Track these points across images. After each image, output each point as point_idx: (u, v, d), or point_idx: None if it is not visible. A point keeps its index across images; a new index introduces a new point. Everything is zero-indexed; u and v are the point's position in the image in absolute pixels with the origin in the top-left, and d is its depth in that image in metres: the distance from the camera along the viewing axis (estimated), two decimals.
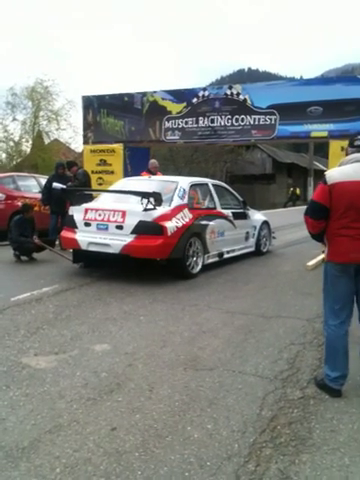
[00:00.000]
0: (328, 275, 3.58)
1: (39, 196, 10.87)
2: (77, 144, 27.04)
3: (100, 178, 11.28)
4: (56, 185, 10.05)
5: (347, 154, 3.62)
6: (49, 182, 10.36)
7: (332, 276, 3.55)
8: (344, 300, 3.51)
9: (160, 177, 9.36)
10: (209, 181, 9.05)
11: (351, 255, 3.40)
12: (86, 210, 7.46)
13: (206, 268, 7.86)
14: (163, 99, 10.78)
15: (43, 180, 11.38)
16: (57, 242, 9.41)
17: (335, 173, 3.49)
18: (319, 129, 9.27)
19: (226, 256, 8.61)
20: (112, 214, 7.16)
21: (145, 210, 6.94)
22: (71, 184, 9.93)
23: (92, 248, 7.26)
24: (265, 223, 10.14)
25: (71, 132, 30.64)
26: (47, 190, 10.26)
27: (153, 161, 10.37)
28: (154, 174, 9.79)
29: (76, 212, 7.62)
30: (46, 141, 28.28)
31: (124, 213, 7.07)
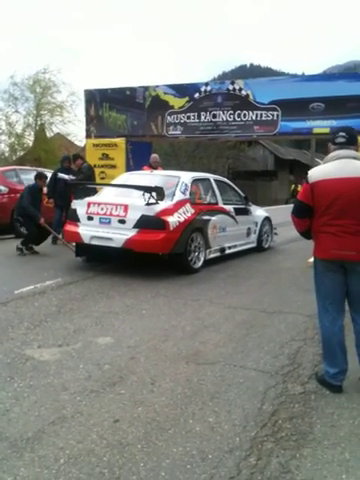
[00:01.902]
0: (316, 272, 3.65)
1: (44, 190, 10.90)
2: (80, 138, 27.04)
3: (102, 172, 11.30)
4: (61, 175, 10.08)
5: (329, 151, 3.63)
6: (54, 175, 10.37)
7: (319, 272, 3.62)
8: (333, 296, 3.55)
9: (162, 172, 9.37)
10: (211, 176, 9.06)
11: (332, 252, 3.46)
12: (89, 204, 7.48)
13: (208, 263, 7.89)
14: (165, 94, 10.78)
15: (46, 173, 11.39)
16: (61, 236, 9.44)
17: (316, 172, 3.54)
18: (321, 126, 9.27)
19: (228, 251, 8.64)
20: (114, 208, 7.18)
21: (147, 204, 6.96)
22: (75, 177, 9.94)
23: (95, 242, 7.29)
24: (267, 219, 10.16)
25: (75, 126, 30.60)
26: (52, 184, 10.27)
27: (154, 156, 10.37)
28: (155, 169, 9.81)
29: (79, 206, 7.64)
30: (49, 135, 28.23)
31: (126, 207, 7.09)
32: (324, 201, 3.41)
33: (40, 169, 12.83)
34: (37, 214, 8.73)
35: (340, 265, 3.48)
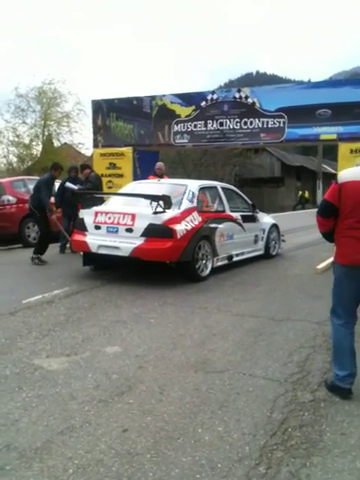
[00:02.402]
0: (335, 277, 3.61)
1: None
2: (87, 146, 27.13)
3: (110, 181, 11.34)
4: (68, 185, 10.14)
5: None
6: (62, 185, 10.43)
7: (338, 277, 3.57)
8: (348, 303, 3.53)
9: (169, 180, 9.40)
10: (218, 184, 9.07)
11: (355, 257, 3.41)
12: (96, 213, 7.51)
13: (215, 271, 7.87)
14: (172, 103, 10.82)
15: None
16: (68, 245, 9.47)
17: (347, 173, 3.53)
18: (328, 132, 9.26)
19: (235, 259, 8.62)
20: (122, 217, 7.20)
21: (155, 213, 6.98)
22: (82, 187, 9.99)
23: (102, 251, 7.30)
24: (274, 226, 10.13)
25: (82, 135, 30.74)
26: (60, 193, 10.33)
27: (159, 164, 10.40)
28: (161, 177, 9.83)
29: (86, 215, 7.67)
30: (56, 144, 28.38)
31: (134, 216, 7.11)
32: (349, 203, 3.39)
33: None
34: (49, 207, 8.79)
35: None
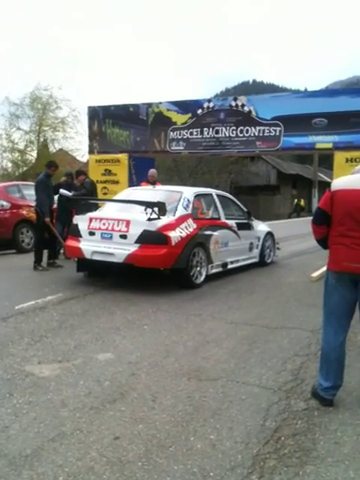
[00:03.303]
0: (327, 283, 3.60)
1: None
2: (82, 153, 27.17)
3: (105, 188, 11.33)
4: (63, 191, 10.12)
5: None
6: (56, 190, 10.41)
7: (329, 284, 3.57)
8: (340, 311, 3.50)
9: (165, 187, 9.39)
10: (213, 191, 9.07)
11: (344, 264, 3.41)
12: (90, 219, 7.49)
13: (210, 278, 7.85)
14: (168, 110, 10.84)
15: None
16: (62, 251, 9.44)
17: (340, 181, 3.57)
18: (324, 141, 9.30)
19: (230, 266, 8.61)
20: (116, 223, 7.18)
21: (149, 220, 6.96)
22: (77, 193, 9.97)
23: (96, 257, 7.27)
24: (269, 234, 10.13)
25: (77, 141, 30.73)
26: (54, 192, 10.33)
27: (152, 171, 10.38)
28: (153, 184, 9.83)
29: (80, 221, 7.65)
30: (51, 150, 28.38)
31: (128, 222, 7.09)
32: (341, 210, 3.40)
33: None
34: (46, 210, 8.77)
35: (352, 279, 3.43)
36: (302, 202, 34.79)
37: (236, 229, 8.79)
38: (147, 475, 2.63)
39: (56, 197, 10.35)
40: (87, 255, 7.36)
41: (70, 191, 10.18)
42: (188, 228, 7.41)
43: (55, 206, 9.98)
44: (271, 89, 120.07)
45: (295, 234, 16.10)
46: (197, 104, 10.59)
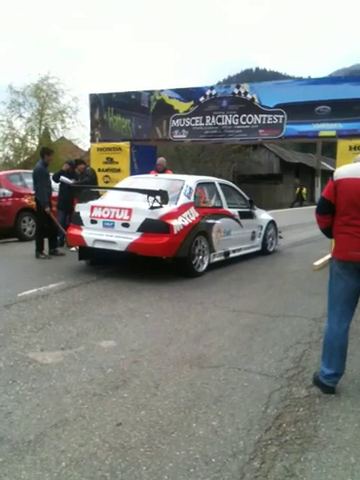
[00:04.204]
0: (332, 272, 3.60)
1: (54, 194, 10.88)
2: (85, 141, 27.08)
3: (107, 176, 11.27)
4: (63, 178, 10.11)
5: None
6: (57, 178, 10.39)
7: (334, 273, 3.57)
8: (343, 298, 3.51)
9: (167, 175, 9.35)
10: (216, 180, 9.05)
11: (349, 253, 3.42)
12: (92, 207, 7.48)
13: (212, 267, 7.86)
14: (170, 98, 10.75)
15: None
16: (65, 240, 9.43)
17: (342, 170, 3.55)
18: (327, 128, 9.22)
19: (232, 255, 8.61)
20: (118, 212, 7.17)
21: (151, 208, 6.95)
22: (79, 181, 9.96)
23: (98, 245, 7.27)
24: (272, 223, 10.12)
25: (78, 131, 30.68)
26: (55, 179, 10.32)
27: (161, 159, 10.37)
28: (163, 172, 9.79)
29: (82, 209, 7.64)
30: (53, 139, 28.28)
31: (130, 211, 7.08)
32: (344, 200, 3.40)
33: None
34: (45, 200, 8.77)
35: (357, 268, 3.43)
36: (304, 191, 34.66)
37: (238, 218, 8.77)
38: (149, 461, 2.65)
39: (57, 185, 10.35)
40: (89, 243, 7.36)
41: (71, 180, 10.17)
42: (190, 217, 7.40)
43: (55, 194, 9.97)
44: (274, 77, 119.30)
45: (298, 223, 16.07)
46: (199, 92, 10.50)
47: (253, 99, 9.85)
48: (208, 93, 10.33)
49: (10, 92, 26.51)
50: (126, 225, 7.06)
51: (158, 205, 6.98)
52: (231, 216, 8.59)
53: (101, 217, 7.32)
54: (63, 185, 10.14)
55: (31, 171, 12.40)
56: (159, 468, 2.59)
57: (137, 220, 6.99)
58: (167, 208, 7.13)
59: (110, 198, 7.92)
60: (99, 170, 10.97)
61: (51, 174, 9.99)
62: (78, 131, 28.93)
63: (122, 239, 7.01)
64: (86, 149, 24.50)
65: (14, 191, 11.29)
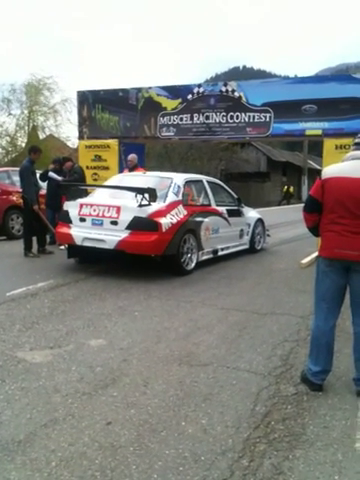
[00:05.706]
0: (318, 270, 3.64)
1: (43, 191, 10.82)
2: (73, 141, 26.97)
3: (95, 173, 11.25)
4: (52, 175, 10.06)
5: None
6: (45, 175, 10.33)
7: (321, 271, 3.61)
8: (331, 297, 3.55)
9: (155, 173, 9.35)
10: (204, 178, 9.07)
11: (335, 251, 3.46)
12: (81, 205, 7.46)
13: (200, 265, 7.88)
14: (158, 95, 10.75)
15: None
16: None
17: (330, 169, 3.59)
18: (313, 127, 9.28)
19: (220, 253, 8.64)
20: (107, 209, 7.16)
21: (140, 206, 6.95)
22: (67, 179, 9.92)
23: (87, 243, 7.26)
24: (259, 221, 10.16)
25: (68, 128, 30.47)
26: (42, 179, 10.27)
27: (132, 156, 10.06)
28: (133, 169, 9.72)
29: (71, 207, 7.62)
30: (41, 136, 28.10)
31: (119, 209, 7.07)
32: (331, 198, 3.44)
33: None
34: (33, 198, 8.72)
35: (343, 266, 3.47)
36: (291, 189, 34.83)
37: (226, 216, 8.80)
38: (139, 460, 2.66)
39: (45, 183, 10.30)
40: (78, 241, 7.34)
41: (59, 177, 10.12)
42: (179, 214, 7.41)
43: (43, 192, 9.92)
44: (261, 75, 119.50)
45: (285, 221, 16.16)
46: (187, 89, 10.50)
47: (240, 97, 9.88)
48: (196, 91, 10.34)
49: (9, 91, 26.41)
50: (115, 223, 7.05)
51: (146, 203, 6.99)
52: (219, 214, 8.62)
53: (90, 215, 7.30)
54: (51, 183, 10.09)
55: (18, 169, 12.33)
56: (149, 467, 2.60)
57: (126, 218, 6.99)
58: (155, 206, 7.13)
59: (99, 196, 7.90)
60: (87, 167, 10.95)
61: (38, 172, 9.94)
62: (68, 129, 28.79)
63: (111, 237, 7.00)
64: (74, 147, 24.39)
65: (2, 189, 11.20)
